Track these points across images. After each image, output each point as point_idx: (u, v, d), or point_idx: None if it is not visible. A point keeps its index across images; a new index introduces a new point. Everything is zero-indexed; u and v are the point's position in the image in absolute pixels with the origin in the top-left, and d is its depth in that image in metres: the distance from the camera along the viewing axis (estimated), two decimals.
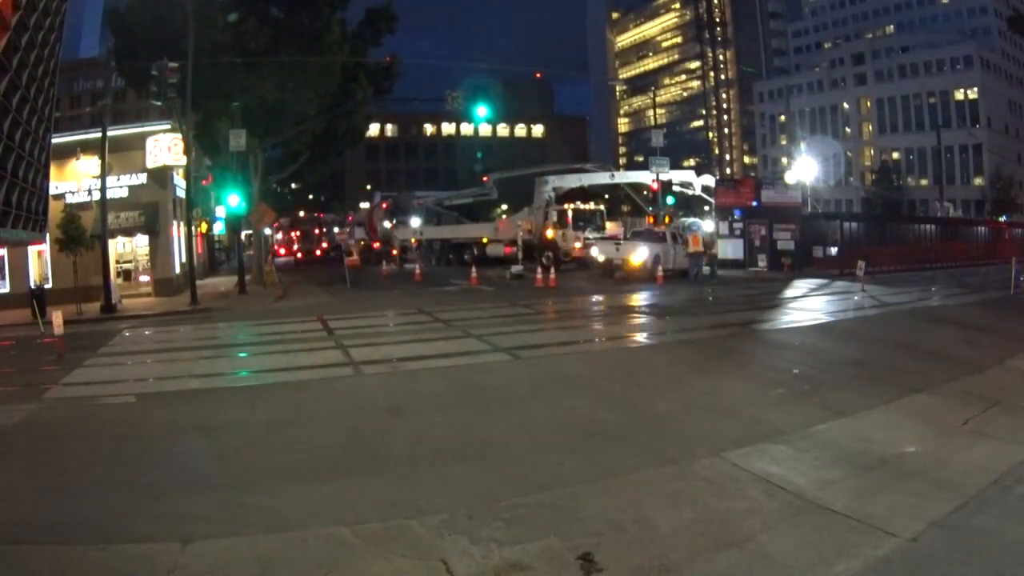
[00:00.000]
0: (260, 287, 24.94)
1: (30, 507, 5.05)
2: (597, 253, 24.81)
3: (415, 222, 39.44)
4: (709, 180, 32.26)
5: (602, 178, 34.03)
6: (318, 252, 49.24)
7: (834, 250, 26.54)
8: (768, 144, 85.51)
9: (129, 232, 22.78)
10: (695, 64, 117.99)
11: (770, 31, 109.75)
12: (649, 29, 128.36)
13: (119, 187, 22.00)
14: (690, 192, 32.31)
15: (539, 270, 25.07)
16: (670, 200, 27.70)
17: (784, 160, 60.99)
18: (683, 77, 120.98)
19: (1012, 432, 6.37)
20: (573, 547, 4.18)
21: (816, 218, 31.34)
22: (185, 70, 19.28)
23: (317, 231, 54.46)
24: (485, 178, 40.42)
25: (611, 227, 31.99)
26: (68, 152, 21.37)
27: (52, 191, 19.48)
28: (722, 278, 24.12)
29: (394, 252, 37.50)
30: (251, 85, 22.45)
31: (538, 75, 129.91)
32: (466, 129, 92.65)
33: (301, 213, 60.05)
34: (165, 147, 22.68)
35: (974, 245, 34.24)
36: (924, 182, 68.11)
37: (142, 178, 22.81)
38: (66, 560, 4.13)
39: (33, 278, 20.36)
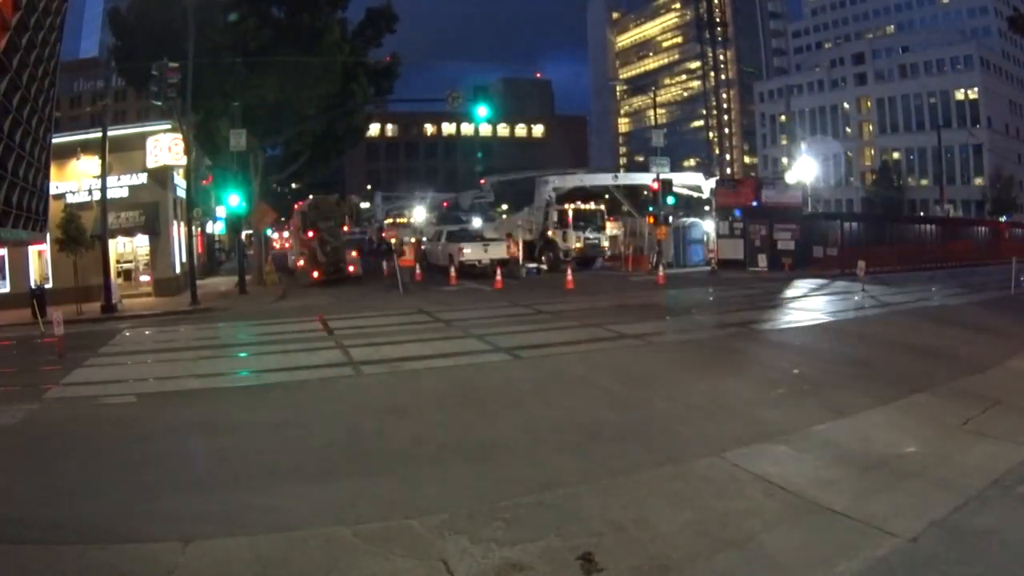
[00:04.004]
0: (260, 287, 24.96)
1: (30, 507, 5.05)
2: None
3: (414, 222, 39.53)
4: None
5: (604, 179, 34.02)
6: None
7: (834, 250, 26.51)
8: (768, 144, 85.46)
9: (129, 232, 22.76)
10: (695, 64, 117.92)
11: (770, 31, 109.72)
12: (649, 29, 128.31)
13: (119, 187, 21.97)
14: (702, 196, 31.89)
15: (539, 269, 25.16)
16: (670, 200, 27.61)
17: (784, 160, 60.91)
18: (683, 77, 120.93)
19: (1012, 432, 6.36)
20: (573, 547, 4.18)
21: (816, 218, 31.28)
22: (185, 70, 19.27)
23: None
24: (482, 180, 40.52)
25: (611, 227, 31.99)
26: (68, 152, 21.35)
27: (52, 191, 19.49)
28: (722, 278, 24.10)
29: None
30: (251, 85, 22.44)
31: (538, 75, 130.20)
32: (466, 129, 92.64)
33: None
34: (165, 147, 22.64)
35: (974, 245, 34.15)
36: (924, 182, 68.06)
37: (142, 178, 22.78)
38: (66, 560, 4.13)
39: (33, 278, 20.36)
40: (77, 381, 9.62)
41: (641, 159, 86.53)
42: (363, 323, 14.55)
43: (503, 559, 4.07)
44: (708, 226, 29.99)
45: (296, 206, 32.63)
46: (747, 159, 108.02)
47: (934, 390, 7.89)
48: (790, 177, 31.67)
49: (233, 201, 22.89)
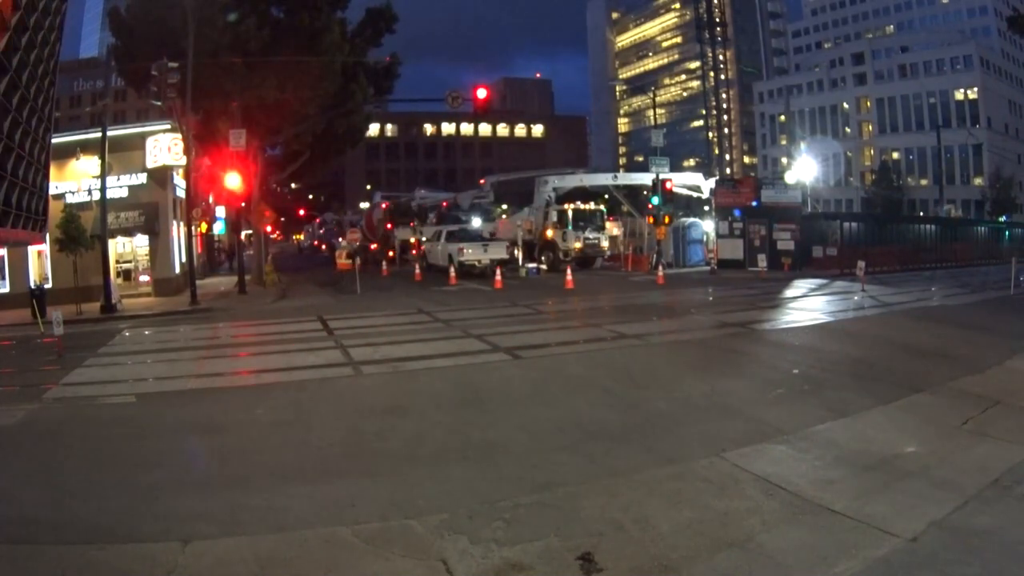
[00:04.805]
0: (260, 287, 24.96)
1: (30, 507, 5.05)
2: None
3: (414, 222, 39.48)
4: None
5: (604, 179, 34.02)
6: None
7: (834, 250, 26.51)
8: (768, 144, 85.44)
9: (129, 232, 22.76)
10: (695, 64, 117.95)
11: (770, 31, 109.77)
12: (649, 29, 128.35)
13: (119, 187, 21.97)
14: (702, 196, 31.90)
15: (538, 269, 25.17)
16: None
17: (784, 160, 60.94)
18: (683, 77, 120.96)
19: (1012, 432, 6.36)
20: (573, 547, 4.18)
21: (816, 218, 31.29)
22: (185, 70, 19.27)
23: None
24: (482, 181, 40.50)
25: (611, 227, 31.97)
26: (68, 152, 21.35)
27: (52, 191, 19.48)
28: (722, 278, 24.10)
29: (390, 253, 37.51)
30: (251, 85, 22.43)
31: (538, 75, 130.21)
32: (466, 129, 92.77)
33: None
34: (165, 147, 22.64)
35: (974, 245, 34.18)
36: (924, 182, 68.04)
37: (142, 178, 22.79)
38: (66, 560, 4.13)
39: (33, 278, 20.35)
40: (77, 381, 9.61)
41: (641, 159, 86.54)
42: (362, 323, 14.54)
43: (503, 559, 4.07)
44: (708, 226, 29.99)
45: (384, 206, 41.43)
46: (747, 159, 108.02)
47: (934, 390, 7.89)
48: (790, 177, 31.66)
49: (233, 201, 22.87)
